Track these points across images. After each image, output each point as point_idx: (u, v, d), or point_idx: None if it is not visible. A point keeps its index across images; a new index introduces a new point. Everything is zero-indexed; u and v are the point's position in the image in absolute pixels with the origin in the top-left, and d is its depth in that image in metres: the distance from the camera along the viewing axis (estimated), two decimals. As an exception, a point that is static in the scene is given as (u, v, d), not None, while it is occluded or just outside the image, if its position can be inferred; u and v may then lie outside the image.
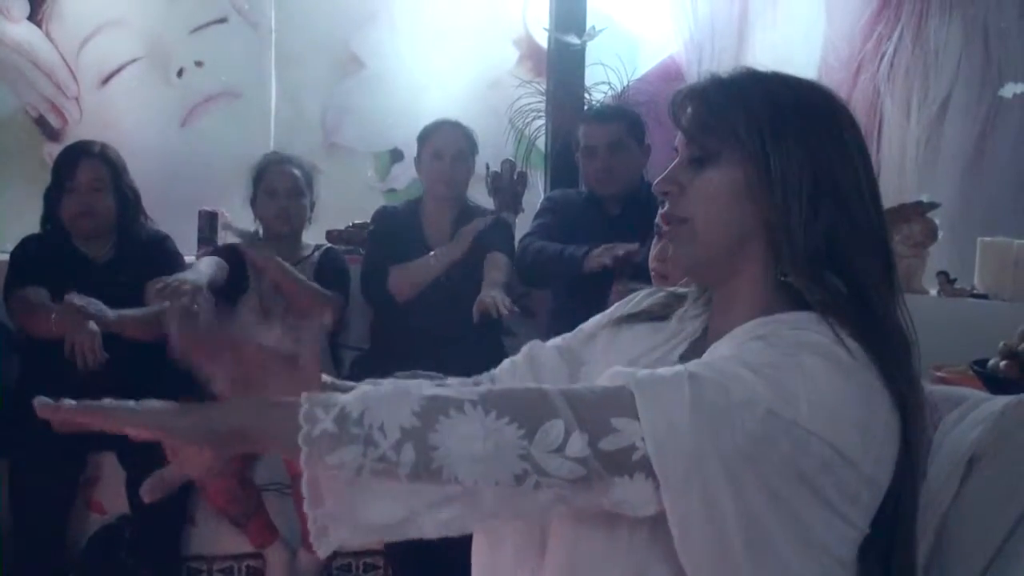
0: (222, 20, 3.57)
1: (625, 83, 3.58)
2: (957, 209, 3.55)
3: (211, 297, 2.86)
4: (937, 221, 2.91)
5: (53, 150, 3.17)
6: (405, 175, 3.68)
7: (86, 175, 2.78)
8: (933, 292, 2.92)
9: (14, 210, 3.24)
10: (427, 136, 3.07)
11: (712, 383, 0.89)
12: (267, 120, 3.61)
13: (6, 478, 2.62)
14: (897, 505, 0.98)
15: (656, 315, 1.18)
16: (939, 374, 2.12)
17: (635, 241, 2.72)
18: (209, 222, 3.29)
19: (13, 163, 3.41)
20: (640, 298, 1.23)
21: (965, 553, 1.10)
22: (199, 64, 3.55)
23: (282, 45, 3.61)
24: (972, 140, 3.82)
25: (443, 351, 2.65)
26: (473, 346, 2.75)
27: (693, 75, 3.58)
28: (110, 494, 2.77)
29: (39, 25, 3.42)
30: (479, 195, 3.34)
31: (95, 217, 2.80)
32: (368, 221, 3.22)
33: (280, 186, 2.98)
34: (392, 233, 3.05)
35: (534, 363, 1.22)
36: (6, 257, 2.83)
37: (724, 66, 1.10)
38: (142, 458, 0.97)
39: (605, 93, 3.58)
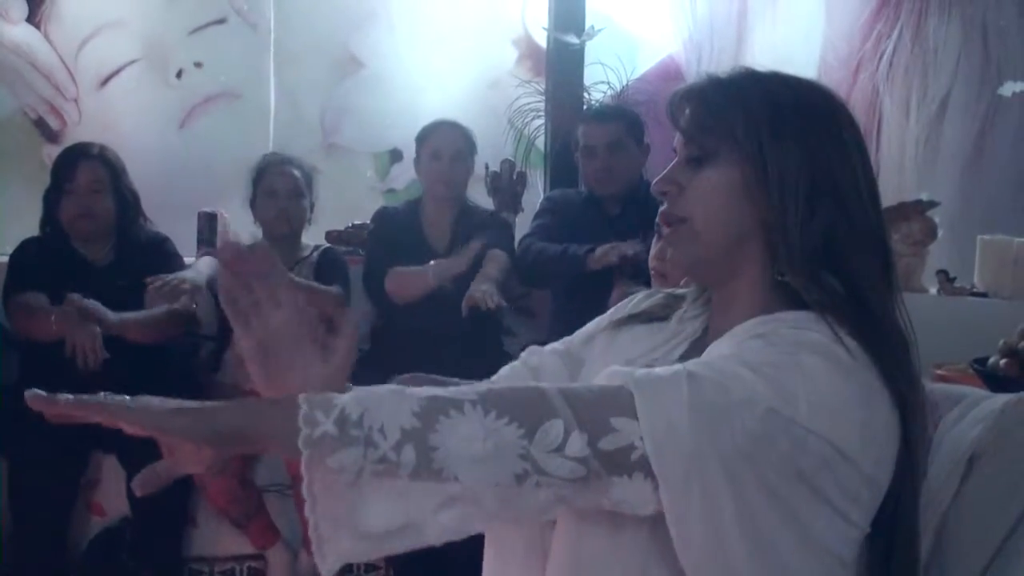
0: (221, 21, 3.57)
1: (624, 83, 3.58)
2: (957, 207, 3.55)
3: (210, 297, 2.88)
4: (937, 220, 2.91)
5: (52, 152, 3.17)
6: (404, 175, 3.68)
7: (85, 177, 2.78)
8: (933, 290, 2.92)
9: (13, 212, 3.24)
10: (425, 137, 3.07)
11: (711, 382, 0.89)
12: (266, 121, 3.61)
13: (6, 479, 2.62)
14: (897, 505, 0.97)
15: (656, 316, 1.18)
16: (939, 372, 2.12)
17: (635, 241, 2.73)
18: (208, 223, 3.28)
19: (12, 165, 3.41)
20: (639, 299, 1.23)
21: (965, 552, 1.10)
22: (198, 65, 3.55)
23: (281, 46, 3.61)
24: (971, 138, 3.82)
25: (443, 351, 2.65)
26: (473, 346, 2.75)
27: (692, 74, 3.58)
28: (111, 496, 2.76)
29: (38, 27, 3.42)
30: (479, 195, 3.34)
31: (94, 219, 2.80)
32: (367, 222, 3.22)
33: (280, 187, 2.97)
34: (392, 233, 3.05)
35: (534, 367, 1.22)
36: (5, 259, 2.83)
37: (723, 65, 1.10)
38: (143, 459, 0.97)
39: (604, 93, 3.59)
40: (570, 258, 2.89)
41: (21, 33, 3.41)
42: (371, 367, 2.98)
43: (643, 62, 3.75)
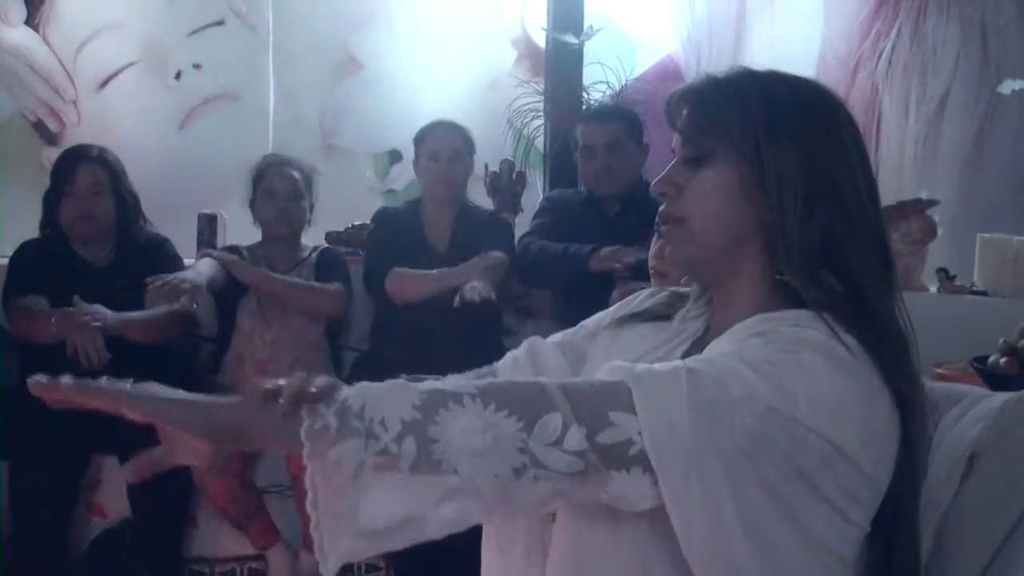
0: (220, 23, 3.57)
1: (623, 82, 3.58)
2: (956, 206, 3.54)
3: (210, 298, 2.88)
4: (936, 218, 2.91)
5: (51, 154, 3.18)
6: (404, 176, 3.68)
7: (85, 179, 2.78)
8: (933, 289, 2.92)
9: (13, 215, 3.23)
10: (423, 137, 3.07)
11: (711, 378, 0.89)
12: (265, 122, 3.61)
13: (7, 480, 2.62)
14: (898, 504, 0.98)
15: (658, 315, 1.19)
16: (939, 371, 2.12)
17: (634, 240, 2.73)
18: (208, 225, 3.29)
19: (11, 167, 3.42)
20: (642, 298, 1.23)
21: (965, 551, 1.10)
22: (197, 67, 3.55)
23: (280, 47, 3.61)
24: (971, 137, 3.82)
25: (443, 352, 2.65)
26: (473, 347, 2.75)
27: (691, 74, 3.58)
28: (111, 497, 2.77)
29: (36, 29, 3.42)
30: (478, 195, 3.34)
31: (94, 221, 2.80)
32: (367, 222, 3.22)
33: (279, 188, 2.97)
34: (393, 234, 3.05)
35: (536, 358, 1.22)
36: (5, 262, 2.83)
37: (722, 65, 1.10)
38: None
39: (603, 93, 3.59)
40: (571, 258, 2.89)
41: (20, 35, 3.41)
42: (371, 368, 2.99)
43: (642, 62, 3.75)
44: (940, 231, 2.90)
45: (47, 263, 2.78)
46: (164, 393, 0.90)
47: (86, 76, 3.48)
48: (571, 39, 3.53)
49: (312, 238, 3.14)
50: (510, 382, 0.96)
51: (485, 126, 3.42)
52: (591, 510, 0.96)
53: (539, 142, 3.65)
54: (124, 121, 3.48)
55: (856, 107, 3.57)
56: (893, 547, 0.99)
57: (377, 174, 3.77)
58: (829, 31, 3.78)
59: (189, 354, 3.04)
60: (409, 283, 2.92)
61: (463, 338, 2.78)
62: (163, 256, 2.88)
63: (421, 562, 2.64)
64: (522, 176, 3.53)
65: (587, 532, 0.98)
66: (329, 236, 3.32)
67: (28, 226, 2.91)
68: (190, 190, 3.42)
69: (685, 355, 1.09)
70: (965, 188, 3.76)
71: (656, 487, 0.88)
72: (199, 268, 2.83)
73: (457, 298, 2.72)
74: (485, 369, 1.25)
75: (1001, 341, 2.06)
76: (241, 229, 3.17)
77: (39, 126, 3.46)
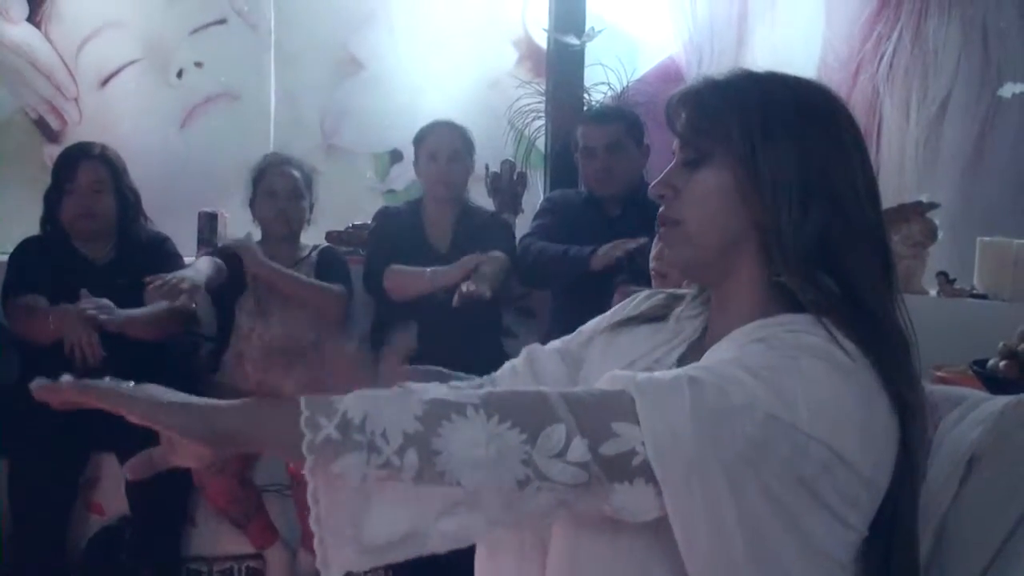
0: (221, 21, 3.57)
1: (624, 84, 3.58)
2: (957, 209, 3.54)
3: (208, 296, 2.88)
4: (936, 221, 2.91)
5: (53, 152, 3.17)
6: (404, 176, 3.68)
7: (86, 177, 2.78)
8: (933, 292, 2.92)
9: (14, 212, 3.24)
10: (423, 138, 3.07)
11: (712, 387, 0.89)
12: (266, 121, 3.61)
13: (6, 479, 2.62)
14: (896, 507, 0.97)
15: (655, 317, 1.18)
16: (939, 374, 2.12)
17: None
18: (209, 223, 3.29)
19: (13, 165, 3.41)
20: (639, 300, 1.23)
21: (965, 553, 1.10)
22: (198, 65, 3.55)
23: (281, 46, 3.61)
24: (971, 140, 3.82)
25: (443, 351, 2.65)
26: (473, 346, 2.75)
27: (692, 76, 3.57)
28: (110, 495, 2.76)
29: (38, 26, 3.42)
30: (479, 196, 3.34)
31: (95, 219, 2.80)
32: (367, 222, 3.22)
33: (279, 187, 2.98)
34: (394, 233, 3.05)
35: (534, 367, 1.22)
36: (5, 259, 2.83)
37: (723, 67, 1.09)
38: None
39: (604, 94, 3.59)
40: (572, 259, 2.89)
41: (21, 33, 3.40)
42: (370, 367, 2.96)
43: (643, 63, 3.75)
44: (940, 234, 2.90)
45: (48, 261, 2.78)
46: (163, 396, 0.88)
47: (87, 74, 3.47)
48: (572, 40, 3.53)
49: (312, 238, 3.14)
50: (512, 391, 0.95)
51: (486, 127, 3.42)
52: (591, 519, 0.95)
53: (540, 143, 3.65)
54: (125, 119, 3.48)
55: (857, 110, 3.56)
56: (891, 549, 0.99)
57: (377, 174, 3.77)
58: (830, 33, 3.78)
59: (188, 352, 3.04)
60: (405, 280, 2.92)
61: (463, 338, 2.78)
62: (163, 254, 2.88)
63: (421, 562, 2.64)
64: (523, 177, 3.53)
65: (587, 540, 0.98)
66: (329, 236, 3.32)
67: (29, 224, 2.91)
68: (191, 188, 3.42)
69: (682, 358, 1.09)
70: (965, 191, 3.76)
71: (659, 498, 0.87)
72: (198, 267, 2.83)
73: (456, 298, 2.72)
74: (484, 379, 1.24)
75: (1001, 344, 2.06)
76: (241, 228, 3.17)
77: (40, 123, 3.46)
